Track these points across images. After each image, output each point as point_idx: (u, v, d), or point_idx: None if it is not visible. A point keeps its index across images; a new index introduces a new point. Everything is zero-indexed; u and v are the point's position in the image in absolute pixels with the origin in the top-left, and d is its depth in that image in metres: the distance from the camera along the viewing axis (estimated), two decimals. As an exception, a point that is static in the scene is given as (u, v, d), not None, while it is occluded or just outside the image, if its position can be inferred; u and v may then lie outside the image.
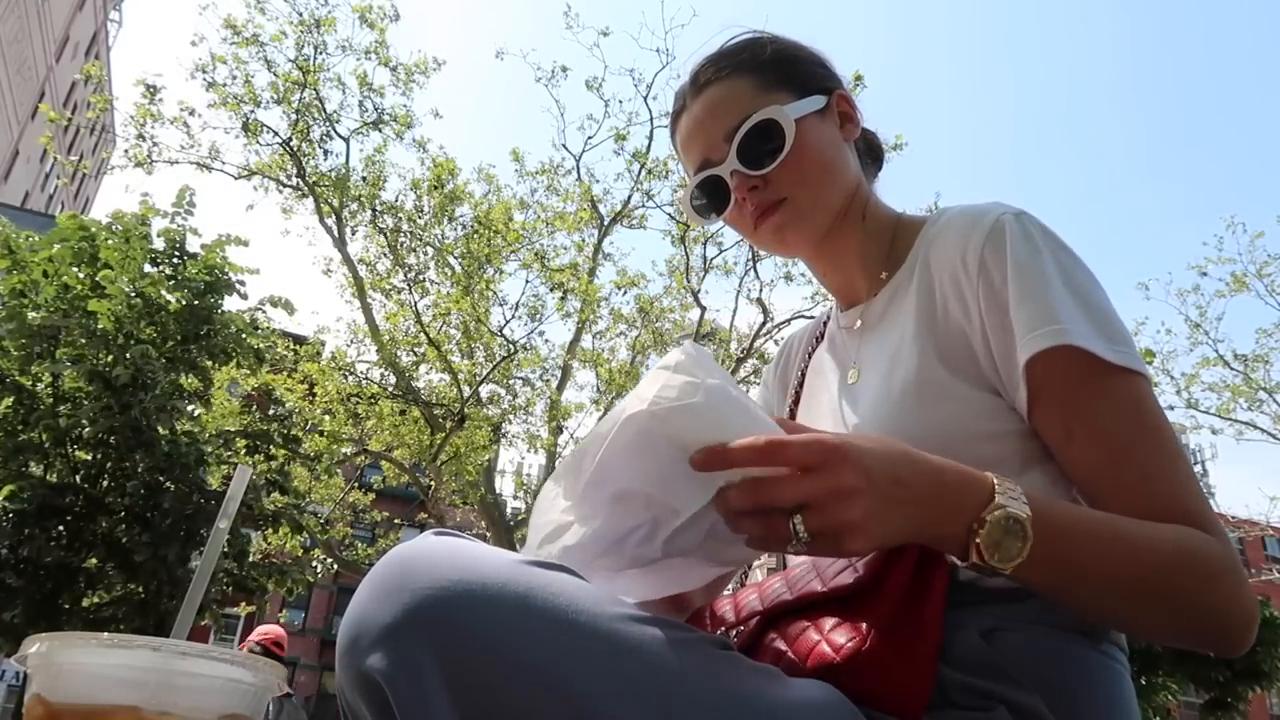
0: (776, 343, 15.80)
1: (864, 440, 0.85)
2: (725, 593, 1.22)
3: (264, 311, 11.17)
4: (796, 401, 1.42)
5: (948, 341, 1.13)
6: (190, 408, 10.59)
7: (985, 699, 0.92)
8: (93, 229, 9.87)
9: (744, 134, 1.22)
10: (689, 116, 1.30)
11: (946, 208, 1.24)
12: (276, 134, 14.46)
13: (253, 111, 14.29)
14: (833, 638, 0.93)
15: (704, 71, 1.30)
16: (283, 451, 11.44)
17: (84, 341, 9.32)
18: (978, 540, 0.85)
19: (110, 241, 9.90)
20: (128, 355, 9.30)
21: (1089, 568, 0.90)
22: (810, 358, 1.45)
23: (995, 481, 0.87)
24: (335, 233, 14.71)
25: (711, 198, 1.30)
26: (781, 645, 0.97)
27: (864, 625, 0.91)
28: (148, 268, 10.21)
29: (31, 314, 9.24)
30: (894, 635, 0.90)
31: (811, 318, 1.60)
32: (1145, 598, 0.91)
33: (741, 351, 15.66)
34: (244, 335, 10.55)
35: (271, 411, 11.74)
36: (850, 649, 0.90)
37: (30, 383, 9.40)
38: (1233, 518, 24.69)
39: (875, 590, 0.94)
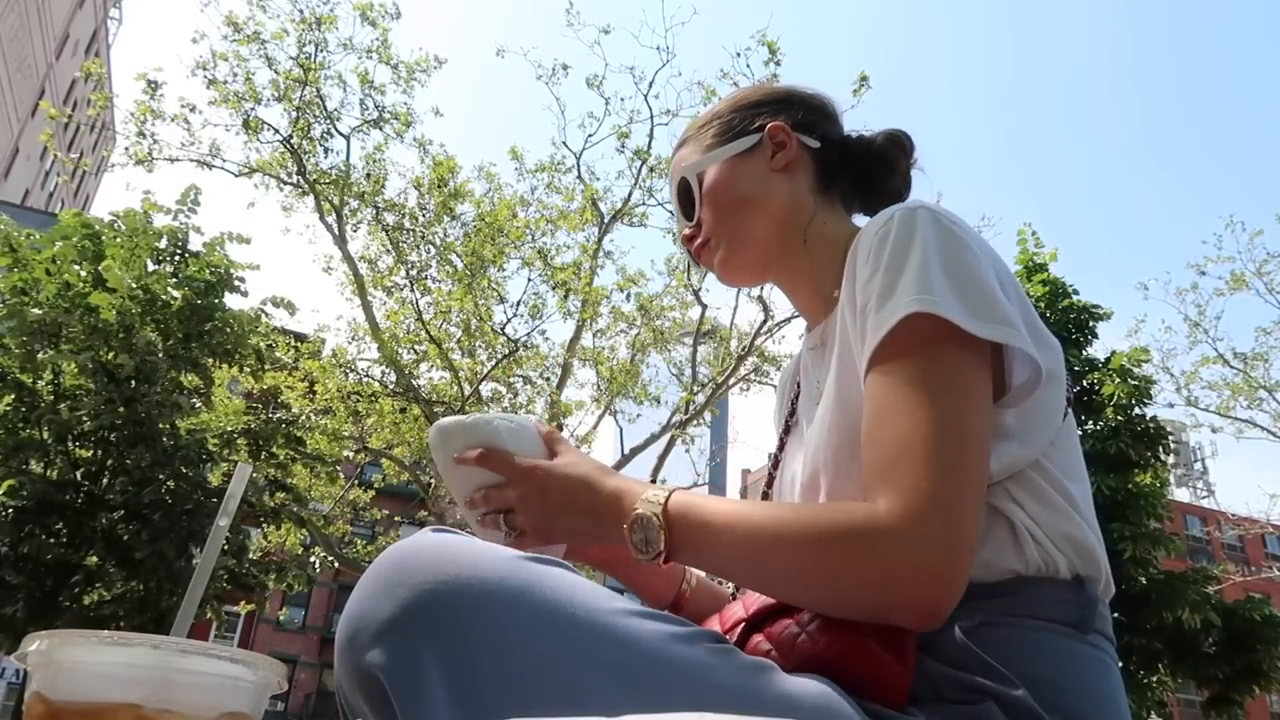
0: (776, 342, 15.83)
1: (557, 465, 1.15)
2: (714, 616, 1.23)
3: (266, 311, 11.18)
4: (787, 430, 1.43)
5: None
6: (194, 403, 10.59)
7: (974, 693, 0.92)
8: (96, 226, 9.87)
9: (675, 197, 1.42)
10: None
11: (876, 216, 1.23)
12: (277, 131, 14.48)
13: (253, 109, 14.31)
14: (812, 630, 0.96)
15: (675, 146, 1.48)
16: (285, 452, 11.45)
17: (84, 338, 9.31)
18: (631, 537, 1.04)
19: (117, 240, 9.91)
20: (133, 344, 9.30)
21: (726, 554, 1.00)
22: (799, 385, 1.46)
23: (644, 492, 1.06)
24: (335, 230, 14.71)
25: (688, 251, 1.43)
26: (766, 645, 0.99)
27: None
28: (151, 265, 10.22)
29: (35, 311, 9.24)
30: (872, 623, 0.93)
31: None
32: (789, 581, 0.97)
33: (742, 349, 15.66)
34: (246, 334, 10.55)
35: (277, 415, 11.73)
36: (830, 639, 0.93)
37: (31, 380, 9.40)
38: (1233, 515, 24.73)
39: None
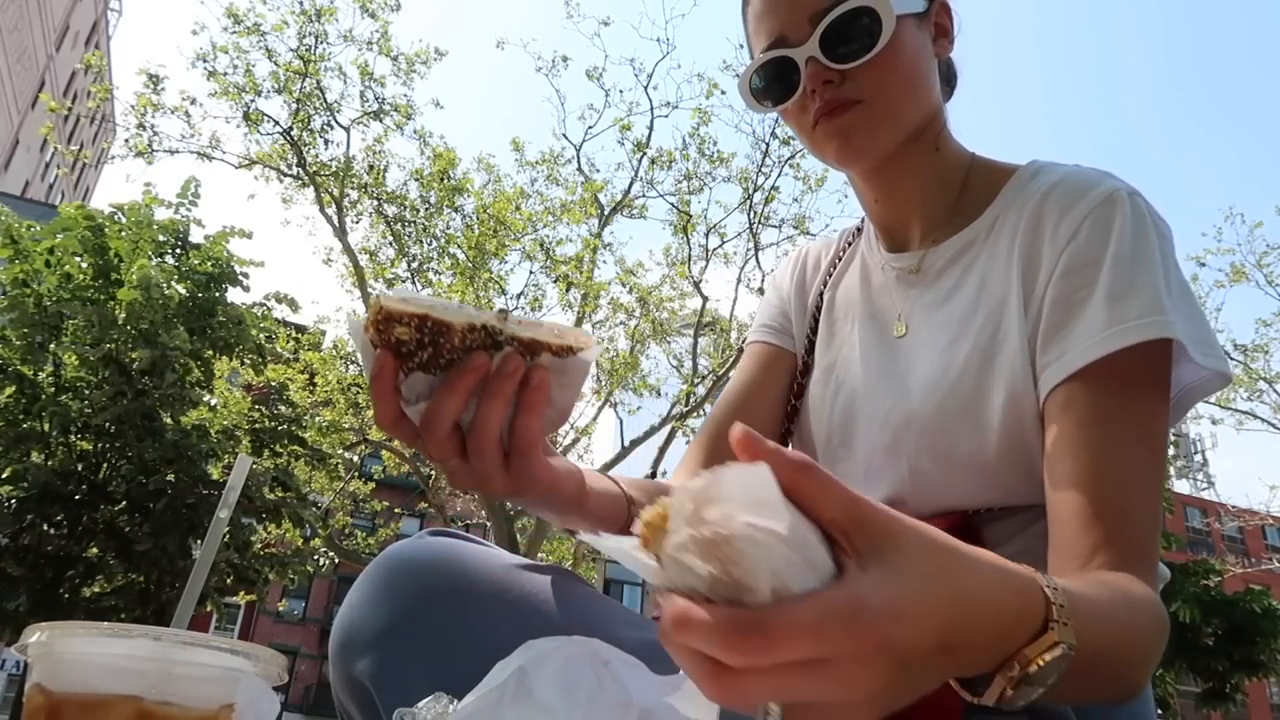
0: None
1: (894, 592, 0.51)
2: None
3: (268, 307, 11.18)
4: (814, 332, 1.28)
5: (1026, 322, 1.01)
6: (205, 398, 10.62)
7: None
8: (99, 219, 9.87)
9: (835, 18, 1.05)
10: None
11: (1043, 165, 1.11)
12: (277, 123, 14.46)
13: (253, 101, 14.30)
14: None
15: None
16: (289, 449, 11.46)
17: (94, 330, 9.31)
18: (1010, 678, 0.61)
19: (122, 234, 9.91)
20: (159, 339, 9.29)
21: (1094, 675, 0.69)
22: (830, 282, 1.31)
23: (1049, 597, 0.62)
24: (336, 222, 14.70)
25: (776, 82, 1.12)
26: None
27: None
28: (153, 259, 10.22)
29: (44, 302, 9.25)
30: None
31: None
32: (1132, 667, 0.76)
33: (742, 341, 15.62)
34: (249, 328, 10.55)
35: (279, 410, 11.73)
36: None
37: (32, 372, 9.40)
38: (1233, 507, 24.71)
39: None
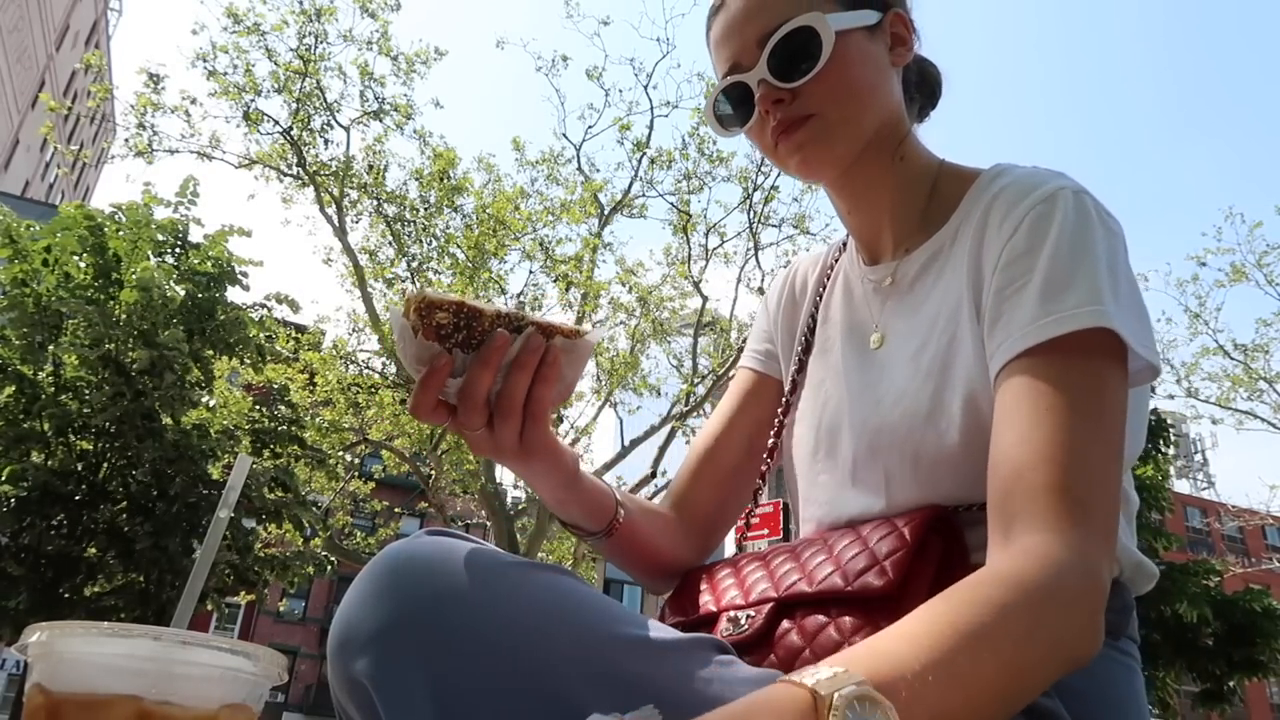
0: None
1: None
2: (726, 574, 1.12)
3: (269, 308, 11.18)
4: (807, 350, 1.31)
5: (977, 323, 1.03)
6: (205, 399, 10.62)
7: None
8: (98, 219, 9.87)
9: (777, 40, 1.10)
10: (725, 13, 1.17)
11: (1004, 168, 1.12)
12: (277, 123, 14.47)
13: (253, 100, 14.30)
14: (853, 639, 0.88)
15: None
16: (290, 449, 11.46)
17: (94, 330, 9.31)
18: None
19: (121, 233, 9.91)
20: (158, 340, 9.30)
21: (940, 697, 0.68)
22: (820, 301, 1.34)
23: (796, 681, 0.63)
24: (335, 222, 14.71)
25: (736, 107, 1.18)
26: (797, 639, 0.93)
27: None
28: (153, 259, 10.22)
29: (43, 302, 9.25)
30: None
31: None
32: (1007, 674, 0.72)
33: (742, 341, 15.64)
34: (249, 328, 10.55)
35: (279, 410, 11.74)
36: None
37: (32, 371, 9.41)
38: (1233, 507, 24.75)
39: (901, 595, 0.89)
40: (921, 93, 1.25)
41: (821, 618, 0.93)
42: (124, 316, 9.46)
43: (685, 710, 0.74)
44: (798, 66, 1.09)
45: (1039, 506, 0.82)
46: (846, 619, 0.91)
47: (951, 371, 1.03)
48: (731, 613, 1.03)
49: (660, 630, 0.84)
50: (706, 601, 1.09)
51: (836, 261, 1.35)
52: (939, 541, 0.95)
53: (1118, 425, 0.89)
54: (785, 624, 0.96)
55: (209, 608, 10.48)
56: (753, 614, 1.00)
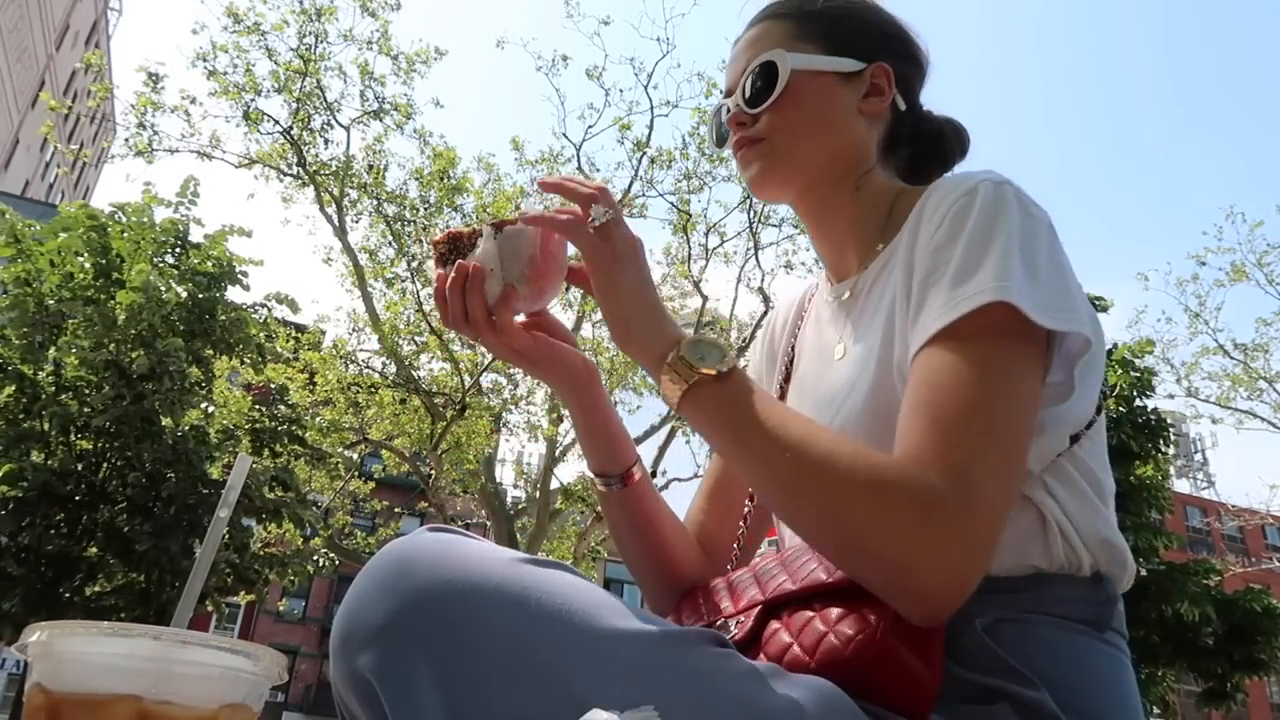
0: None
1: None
2: (720, 584, 1.16)
3: (269, 308, 11.17)
4: (787, 379, 1.38)
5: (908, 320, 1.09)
6: (204, 405, 10.62)
7: (989, 694, 0.91)
8: (101, 219, 9.87)
9: (750, 71, 1.26)
10: (735, 45, 1.33)
11: (949, 177, 1.18)
12: (277, 123, 14.46)
13: (253, 100, 14.30)
14: (840, 630, 0.90)
15: (765, 7, 1.33)
16: (290, 449, 11.46)
17: (96, 331, 9.31)
18: (694, 347, 1.00)
19: (124, 234, 9.91)
20: (158, 345, 9.30)
21: (766, 438, 0.93)
22: (799, 331, 1.41)
23: (678, 352, 1.01)
24: (335, 222, 14.71)
25: (720, 127, 1.34)
26: (785, 636, 0.95)
27: (872, 617, 0.88)
28: (154, 259, 10.21)
29: (46, 302, 9.25)
30: (902, 626, 0.87)
31: None
32: (815, 503, 0.91)
33: (742, 341, 15.65)
34: (249, 329, 10.54)
35: (279, 410, 11.73)
36: (860, 641, 0.87)
37: (32, 371, 9.40)
38: (1233, 506, 24.74)
39: None
40: (918, 145, 1.33)
41: (808, 612, 0.95)
42: (123, 318, 9.45)
43: (687, 701, 0.77)
44: (760, 95, 1.25)
45: (913, 451, 0.90)
46: (832, 610, 0.92)
47: (889, 367, 1.09)
48: (721, 620, 1.06)
49: (660, 623, 0.85)
50: (702, 611, 1.13)
51: (812, 298, 1.43)
52: None
53: (1010, 396, 0.93)
54: (774, 624, 0.97)
55: (209, 608, 10.48)
56: (742, 619, 1.02)
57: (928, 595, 0.85)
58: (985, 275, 0.95)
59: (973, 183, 1.06)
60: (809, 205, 1.30)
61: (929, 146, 1.34)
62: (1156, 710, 13.60)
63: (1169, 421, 14.70)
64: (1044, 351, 0.97)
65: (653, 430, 15.69)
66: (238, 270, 10.57)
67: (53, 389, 9.49)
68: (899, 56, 1.30)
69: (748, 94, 1.26)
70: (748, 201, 15.37)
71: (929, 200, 1.10)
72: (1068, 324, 0.95)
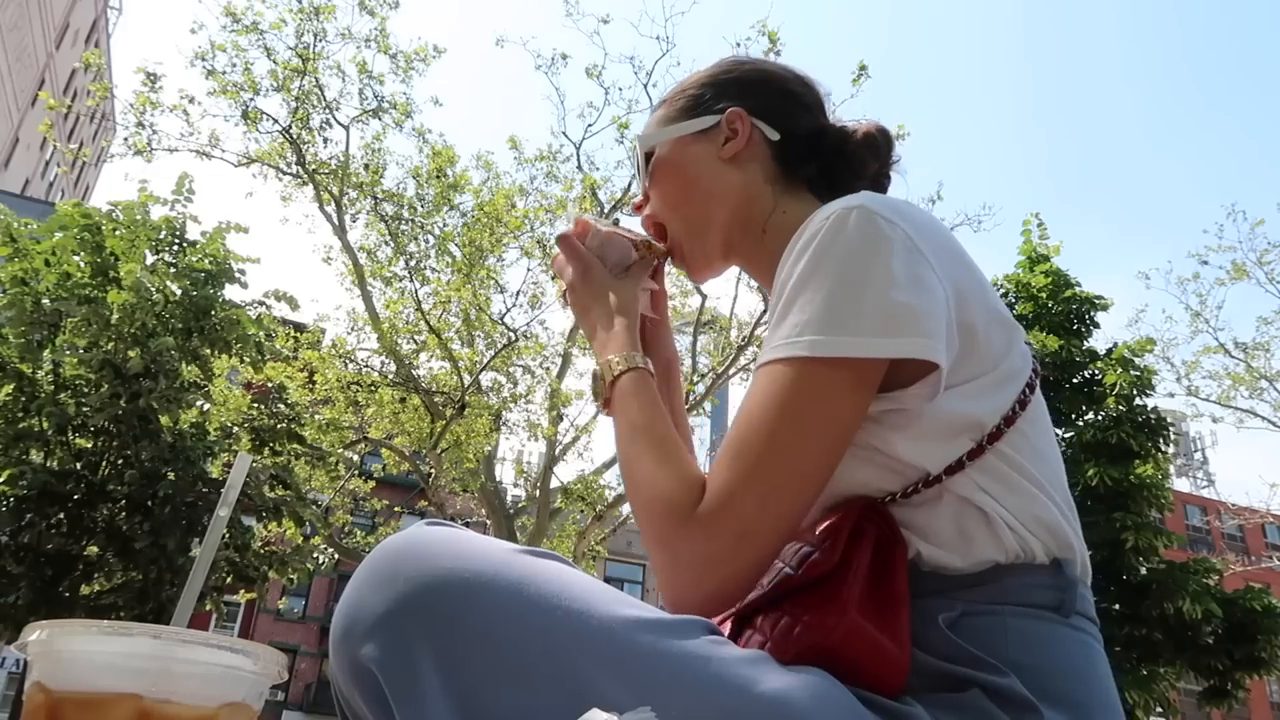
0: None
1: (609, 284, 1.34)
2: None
3: (267, 306, 11.16)
4: None
5: None
6: (200, 403, 10.62)
7: (961, 682, 0.92)
8: (96, 217, 9.85)
9: (634, 164, 1.39)
10: None
11: (823, 206, 1.18)
12: (276, 121, 14.46)
13: (252, 99, 14.29)
14: (806, 618, 0.91)
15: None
16: (289, 448, 11.46)
17: (91, 330, 9.31)
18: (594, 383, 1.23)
19: (118, 232, 9.90)
20: (150, 345, 9.29)
21: (623, 434, 1.12)
22: None
23: (621, 352, 1.20)
24: (335, 220, 14.71)
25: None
26: (759, 638, 0.95)
27: (837, 599, 0.90)
28: (150, 257, 10.21)
29: (42, 301, 9.24)
30: (868, 605, 0.90)
31: None
32: (629, 485, 1.08)
33: (742, 339, 15.65)
34: (247, 327, 10.53)
35: (278, 408, 11.73)
36: (828, 623, 0.89)
37: (30, 370, 9.40)
38: (1233, 505, 24.77)
39: (845, 569, 0.93)
40: (819, 159, 1.33)
41: (775, 612, 0.95)
42: (117, 317, 9.44)
43: (684, 685, 0.79)
44: (644, 177, 1.37)
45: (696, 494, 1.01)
46: (800, 604, 0.93)
47: None
48: None
49: (655, 612, 0.87)
50: None
51: None
52: (872, 524, 0.99)
53: (791, 425, 0.98)
54: (748, 632, 0.98)
55: (208, 606, 10.48)
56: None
57: (670, 598, 0.99)
58: (787, 327, 1.01)
59: (823, 215, 1.05)
60: (740, 265, 1.38)
61: (835, 160, 1.33)
62: (1159, 708, 13.58)
63: (1169, 420, 14.69)
64: (862, 374, 0.99)
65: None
66: (235, 268, 10.55)
67: (51, 388, 9.48)
68: (755, 95, 1.33)
69: (640, 180, 1.38)
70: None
71: (798, 231, 1.11)
72: (882, 350, 0.97)
